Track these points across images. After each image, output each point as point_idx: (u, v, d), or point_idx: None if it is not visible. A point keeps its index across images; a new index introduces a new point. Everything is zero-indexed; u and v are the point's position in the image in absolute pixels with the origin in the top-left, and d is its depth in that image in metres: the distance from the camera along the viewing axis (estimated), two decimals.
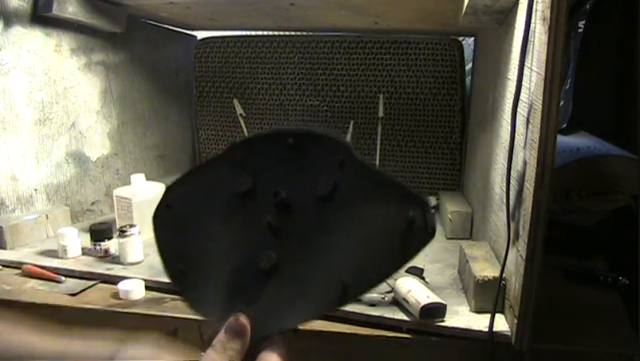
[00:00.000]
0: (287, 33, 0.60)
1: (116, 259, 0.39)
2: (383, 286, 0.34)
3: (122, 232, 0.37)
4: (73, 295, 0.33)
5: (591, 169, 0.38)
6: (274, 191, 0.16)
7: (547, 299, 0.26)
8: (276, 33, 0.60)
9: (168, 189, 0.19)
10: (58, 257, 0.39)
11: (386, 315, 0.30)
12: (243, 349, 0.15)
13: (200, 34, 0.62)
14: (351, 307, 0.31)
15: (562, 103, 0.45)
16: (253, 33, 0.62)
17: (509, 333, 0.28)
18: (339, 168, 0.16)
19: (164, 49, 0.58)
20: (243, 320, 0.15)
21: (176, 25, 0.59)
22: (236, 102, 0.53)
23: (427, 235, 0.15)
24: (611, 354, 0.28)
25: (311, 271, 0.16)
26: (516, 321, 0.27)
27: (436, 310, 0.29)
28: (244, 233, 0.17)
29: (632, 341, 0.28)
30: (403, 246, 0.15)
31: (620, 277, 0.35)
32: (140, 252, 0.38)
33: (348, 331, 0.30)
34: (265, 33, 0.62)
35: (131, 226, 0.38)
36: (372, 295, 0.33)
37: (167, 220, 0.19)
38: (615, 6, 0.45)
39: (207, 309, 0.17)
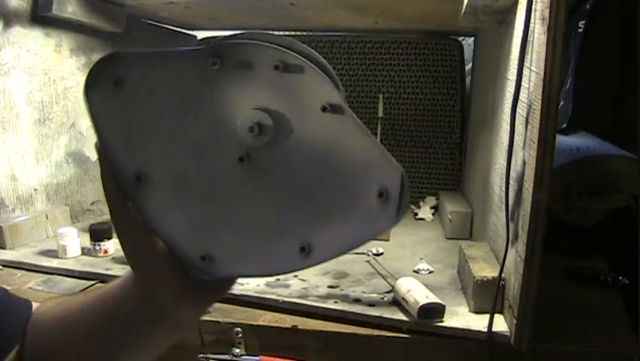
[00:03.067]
0: (287, 33, 0.60)
1: (115, 260, 0.39)
2: (383, 286, 0.35)
3: None
4: (72, 295, 0.33)
5: (591, 169, 0.38)
6: (260, 108, 0.14)
7: (547, 299, 0.26)
8: (276, 33, 0.61)
9: (116, 58, 0.15)
10: (58, 257, 0.38)
11: (385, 315, 0.30)
12: None
13: (200, 34, 0.62)
14: (350, 307, 0.31)
15: (562, 103, 0.45)
16: None
17: (508, 333, 0.28)
18: (323, 110, 0.14)
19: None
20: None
21: (176, 25, 0.59)
22: None
23: (397, 214, 0.13)
24: (611, 354, 0.28)
25: (275, 218, 0.15)
26: (515, 321, 0.27)
27: (434, 311, 0.29)
28: (215, 143, 0.15)
29: (631, 341, 0.28)
30: (368, 219, 0.14)
31: (620, 277, 0.35)
32: None
33: (348, 331, 0.30)
34: None
35: None
36: (372, 294, 0.33)
37: (116, 103, 0.15)
38: (615, 6, 0.45)
39: (168, 229, 0.15)
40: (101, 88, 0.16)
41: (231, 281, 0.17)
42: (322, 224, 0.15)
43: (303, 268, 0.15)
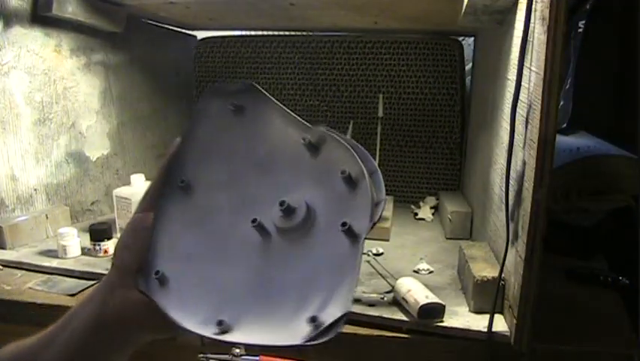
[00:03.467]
0: (287, 33, 0.60)
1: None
2: (383, 286, 0.35)
3: None
4: (72, 295, 0.33)
5: (591, 169, 0.38)
6: (307, 199, 0.15)
7: (547, 299, 0.26)
8: (276, 33, 0.61)
9: (254, 90, 0.17)
10: (58, 257, 0.39)
11: (385, 315, 0.30)
12: None
13: (200, 34, 0.62)
14: None
15: (562, 103, 0.45)
16: (253, 33, 0.62)
17: (508, 333, 0.28)
18: (343, 227, 0.14)
19: (163, 49, 0.58)
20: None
21: (176, 25, 0.59)
22: None
23: (308, 342, 0.14)
24: (611, 354, 0.28)
25: (226, 285, 0.15)
26: (515, 321, 0.27)
27: (434, 311, 0.29)
28: (255, 200, 0.16)
29: (631, 341, 0.28)
30: (288, 331, 0.14)
31: (620, 277, 0.35)
32: None
33: (348, 331, 0.30)
34: (265, 33, 0.62)
35: None
36: (372, 294, 0.33)
37: (223, 121, 0.17)
38: (615, 6, 0.45)
39: (160, 235, 0.16)
40: (224, 104, 0.17)
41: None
42: (253, 318, 0.15)
43: (214, 339, 0.15)
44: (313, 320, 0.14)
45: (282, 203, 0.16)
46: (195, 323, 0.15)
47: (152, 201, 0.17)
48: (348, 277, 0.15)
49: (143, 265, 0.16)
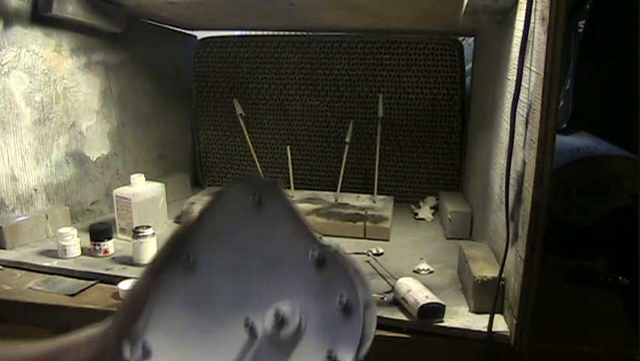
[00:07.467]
0: (287, 33, 0.60)
1: (115, 259, 0.39)
2: (383, 286, 0.35)
3: (137, 233, 0.37)
4: (71, 295, 0.33)
5: (591, 169, 0.38)
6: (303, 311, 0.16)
7: (547, 299, 0.26)
8: (276, 33, 0.61)
9: (278, 186, 0.18)
10: (58, 257, 0.39)
11: (385, 315, 0.30)
12: None
13: (201, 34, 0.63)
14: None
15: (562, 103, 0.45)
16: (253, 33, 0.62)
17: (508, 333, 0.28)
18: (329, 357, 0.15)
19: (164, 49, 0.58)
20: None
21: (176, 25, 0.59)
22: (236, 102, 0.53)
23: None
24: (611, 354, 0.28)
25: None
26: (515, 321, 0.27)
27: (434, 311, 0.30)
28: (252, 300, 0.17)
29: (631, 341, 0.28)
30: None
31: (620, 277, 0.35)
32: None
33: None
34: (265, 33, 0.62)
35: (147, 227, 0.37)
36: (372, 295, 0.33)
37: (246, 213, 0.18)
38: (615, 6, 0.45)
39: (154, 306, 0.18)
40: (247, 195, 0.18)
41: None
42: None
43: None
44: None
45: (277, 313, 0.16)
46: None
47: (156, 269, 0.18)
48: None
49: (132, 334, 0.17)
